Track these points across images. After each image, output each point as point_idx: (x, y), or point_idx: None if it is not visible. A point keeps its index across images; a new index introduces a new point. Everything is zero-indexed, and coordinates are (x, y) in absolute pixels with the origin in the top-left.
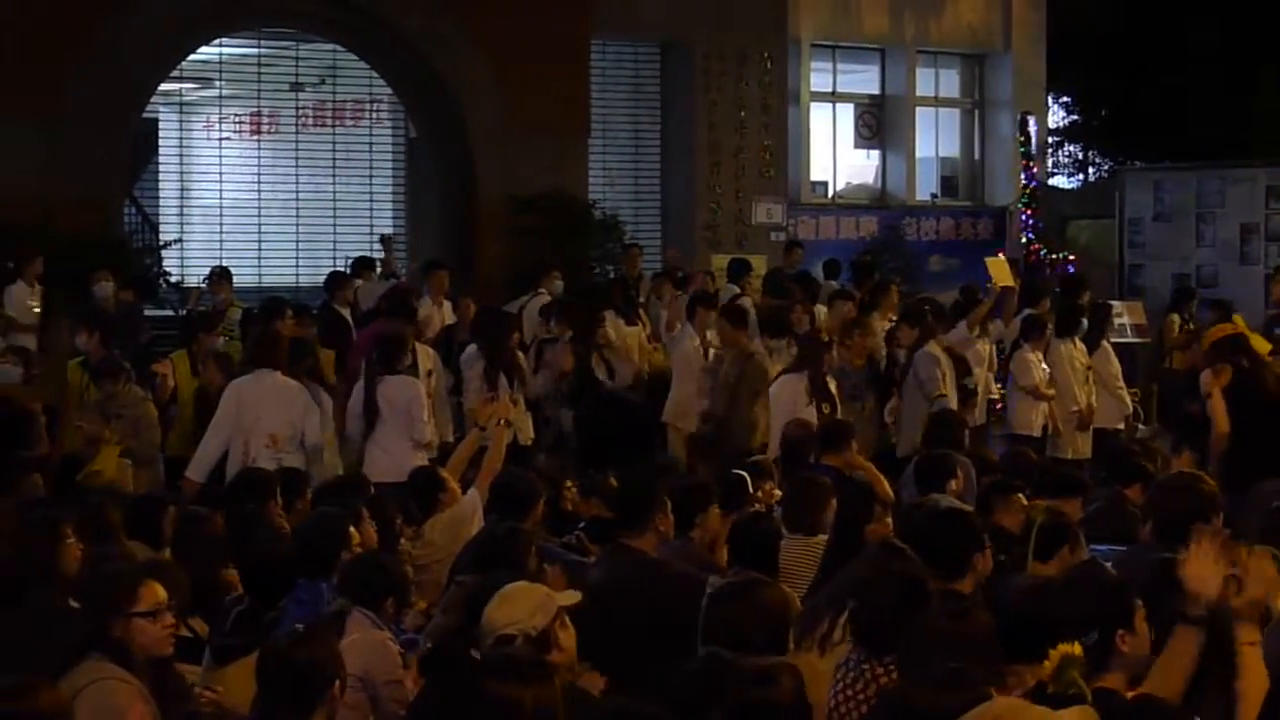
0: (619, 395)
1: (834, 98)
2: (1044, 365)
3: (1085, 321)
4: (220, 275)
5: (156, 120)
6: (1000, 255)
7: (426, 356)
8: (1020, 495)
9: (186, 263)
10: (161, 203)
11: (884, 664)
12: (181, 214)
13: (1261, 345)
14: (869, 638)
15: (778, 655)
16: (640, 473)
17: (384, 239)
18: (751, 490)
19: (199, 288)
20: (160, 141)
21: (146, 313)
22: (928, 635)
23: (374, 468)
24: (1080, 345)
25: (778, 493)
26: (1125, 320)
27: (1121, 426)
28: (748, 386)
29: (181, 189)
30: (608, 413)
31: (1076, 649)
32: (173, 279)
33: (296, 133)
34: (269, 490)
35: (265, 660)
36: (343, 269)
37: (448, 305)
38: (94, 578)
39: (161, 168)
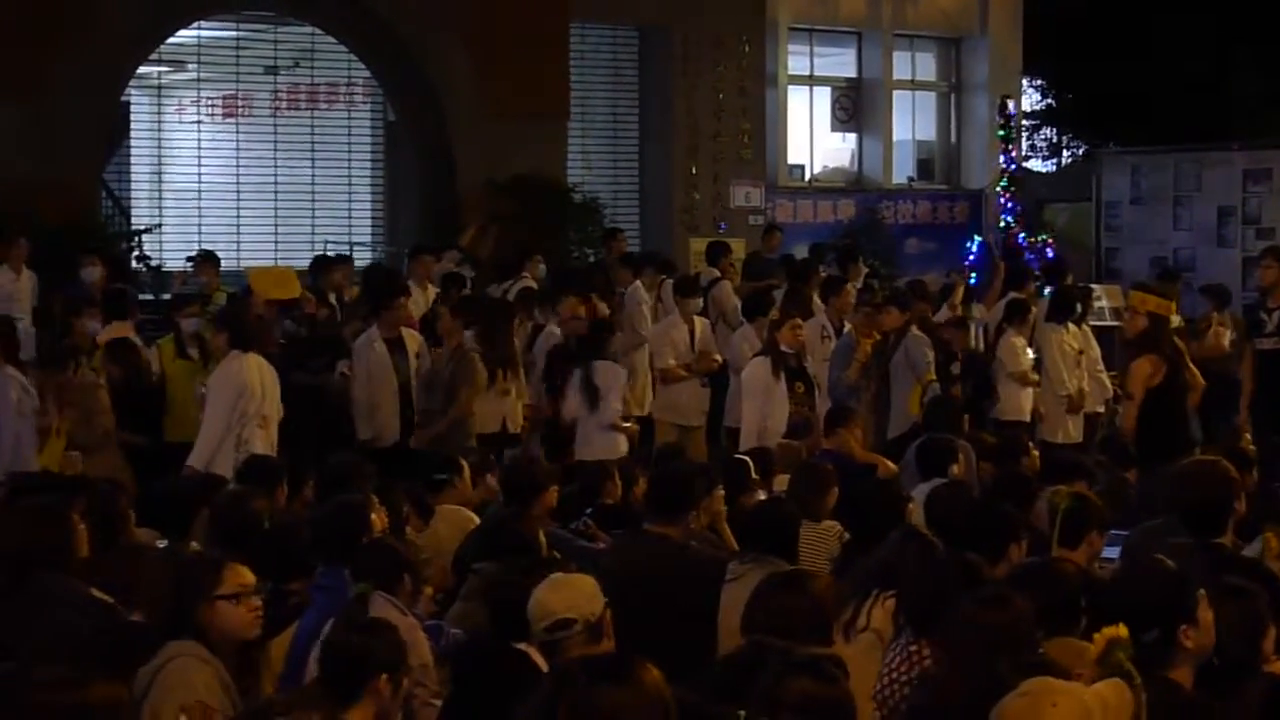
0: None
1: (811, 81)
2: (1030, 350)
3: (1079, 306)
4: (204, 259)
5: (128, 104)
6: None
7: (414, 340)
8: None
9: (164, 247)
10: (134, 188)
11: (931, 641)
12: (160, 199)
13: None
14: (916, 620)
15: (823, 646)
16: (683, 467)
17: (476, 226)
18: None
19: (184, 271)
20: (132, 125)
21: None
22: (965, 623)
23: (589, 448)
24: (1073, 329)
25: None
26: (1104, 304)
27: (1102, 409)
28: (465, 383)
29: (156, 173)
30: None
31: (1123, 630)
32: (152, 263)
33: (274, 116)
34: (277, 477)
35: (327, 645)
36: (325, 253)
37: (431, 289)
38: (178, 562)
39: (133, 152)
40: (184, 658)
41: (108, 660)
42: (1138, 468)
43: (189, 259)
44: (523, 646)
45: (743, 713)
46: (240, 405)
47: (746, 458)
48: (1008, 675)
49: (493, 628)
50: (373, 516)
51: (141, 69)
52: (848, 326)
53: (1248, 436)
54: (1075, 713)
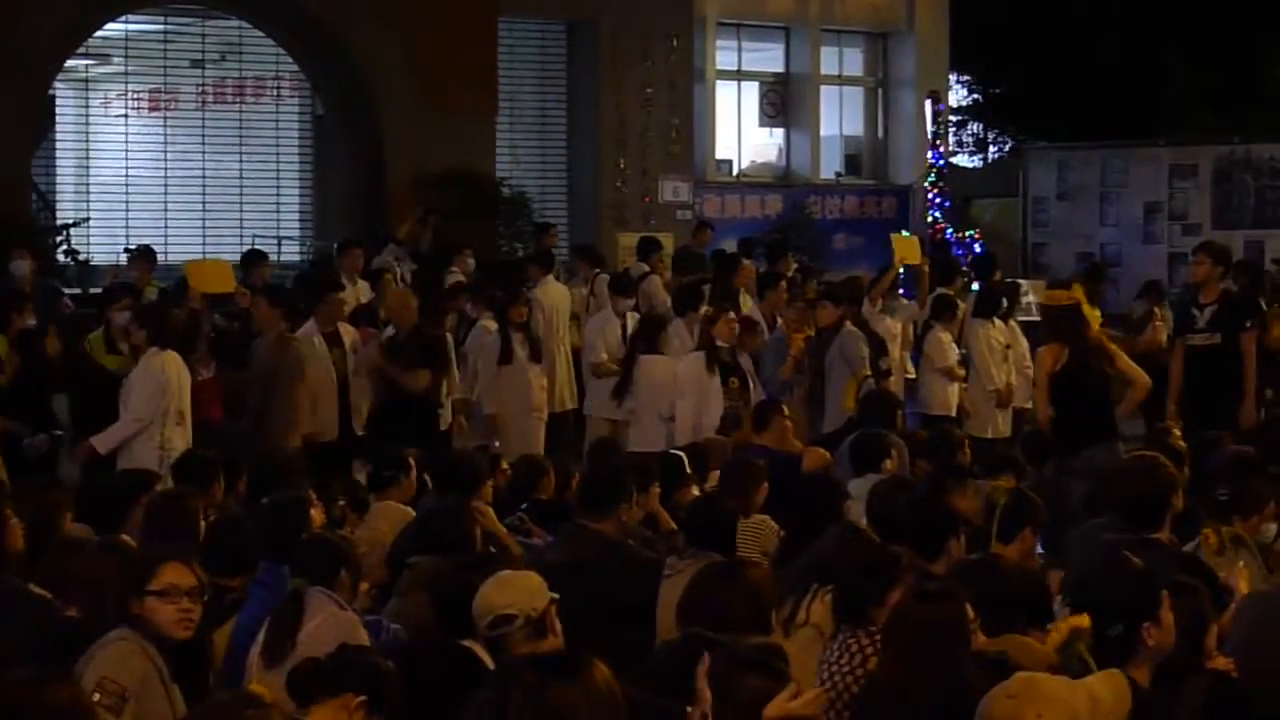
0: None
1: (739, 76)
2: (956, 345)
3: (1005, 301)
4: (138, 254)
5: (53, 97)
6: (905, 233)
7: (349, 333)
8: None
9: (91, 241)
10: (59, 182)
11: (869, 633)
12: (87, 193)
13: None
14: (849, 612)
15: (763, 636)
16: (611, 461)
17: (414, 218)
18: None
19: (114, 265)
20: (57, 119)
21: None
22: (909, 620)
23: (639, 441)
24: (1000, 324)
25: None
26: (1031, 299)
27: (1030, 405)
28: (285, 376)
29: (84, 167)
30: None
31: (1084, 621)
32: (80, 257)
33: (202, 110)
34: (214, 473)
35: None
36: (254, 247)
37: (363, 284)
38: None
39: (59, 146)
40: (120, 643)
41: (49, 657)
42: (1052, 459)
43: (125, 250)
44: (468, 643)
45: (689, 708)
46: (162, 402)
47: (681, 453)
48: (970, 672)
49: (438, 624)
50: (311, 512)
51: (68, 62)
52: (780, 321)
53: (1177, 433)
54: None
